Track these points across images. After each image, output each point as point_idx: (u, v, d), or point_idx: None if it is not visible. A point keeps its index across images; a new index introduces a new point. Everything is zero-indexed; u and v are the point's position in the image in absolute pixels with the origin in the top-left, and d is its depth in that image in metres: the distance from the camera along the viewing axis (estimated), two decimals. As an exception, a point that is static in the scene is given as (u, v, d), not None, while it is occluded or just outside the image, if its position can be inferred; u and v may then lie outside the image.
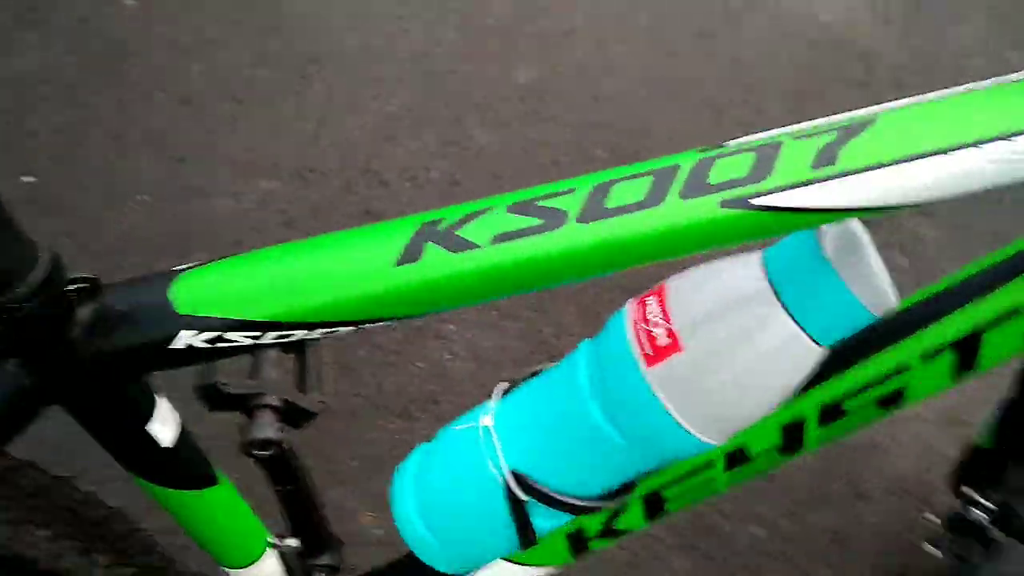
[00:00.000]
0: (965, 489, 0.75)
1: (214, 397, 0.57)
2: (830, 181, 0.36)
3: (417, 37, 1.63)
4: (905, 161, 0.36)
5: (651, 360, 0.44)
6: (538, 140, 1.54)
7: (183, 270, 0.43)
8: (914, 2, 1.91)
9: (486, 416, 0.53)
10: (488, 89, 1.58)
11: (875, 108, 0.38)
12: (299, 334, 0.42)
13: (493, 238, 0.39)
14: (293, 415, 0.62)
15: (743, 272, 0.43)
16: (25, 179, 1.35)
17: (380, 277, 0.40)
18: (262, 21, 1.59)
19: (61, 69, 1.47)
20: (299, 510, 0.68)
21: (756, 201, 0.37)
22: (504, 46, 1.65)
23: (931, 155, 0.36)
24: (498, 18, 1.68)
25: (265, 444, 0.59)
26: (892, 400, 0.51)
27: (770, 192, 0.37)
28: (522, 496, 0.50)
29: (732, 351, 0.43)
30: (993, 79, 0.39)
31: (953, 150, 0.36)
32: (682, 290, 0.45)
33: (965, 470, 0.77)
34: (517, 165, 1.50)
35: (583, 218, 0.38)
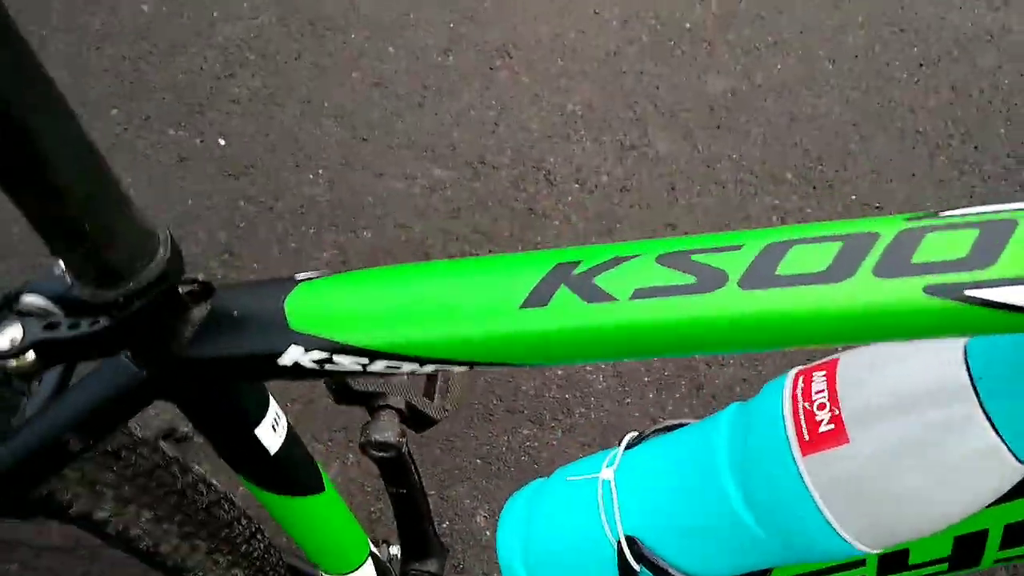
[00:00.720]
0: None
1: (341, 391, 0.55)
2: None
3: (610, 35, 1.56)
4: None
5: (808, 447, 0.38)
6: (722, 154, 1.44)
7: (303, 280, 0.39)
8: None
9: (609, 468, 0.47)
10: (676, 95, 1.50)
11: None
12: (409, 367, 0.38)
13: (634, 292, 0.33)
14: (415, 420, 0.59)
15: (940, 361, 0.36)
16: (220, 141, 1.41)
17: (502, 319, 0.34)
18: (461, 5, 1.58)
19: (267, 38, 1.53)
20: (408, 513, 0.66)
21: (973, 292, 0.29)
22: (699, 51, 1.55)
23: None
24: (696, 22, 1.58)
25: (382, 446, 0.57)
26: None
27: (993, 284, 0.29)
28: (634, 565, 0.45)
29: (910, 454, 0.36)
30: None
31: None
32: (859, 369, 0.38)
33: None
34: (695, 179, 1.41)
35: (747, 283, 0.31)
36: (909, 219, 0.31)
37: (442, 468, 1.09)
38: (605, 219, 1.36)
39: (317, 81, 1.48)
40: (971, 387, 0.35)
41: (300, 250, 1.29)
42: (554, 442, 1.11)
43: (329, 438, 1.12)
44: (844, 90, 1.52)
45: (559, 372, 1.20)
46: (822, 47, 1.56)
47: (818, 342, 0.32)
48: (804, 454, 0.37)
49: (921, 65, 1.55)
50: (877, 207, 1.38)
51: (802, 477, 0.37)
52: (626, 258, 0.34)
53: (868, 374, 0.38)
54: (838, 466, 0.37)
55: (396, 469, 0.62)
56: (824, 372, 0.38)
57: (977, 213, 0.30)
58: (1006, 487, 0.36)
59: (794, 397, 0.38)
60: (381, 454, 0.58)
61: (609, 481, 0.46)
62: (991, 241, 0.29)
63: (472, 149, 1.42)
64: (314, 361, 0.38)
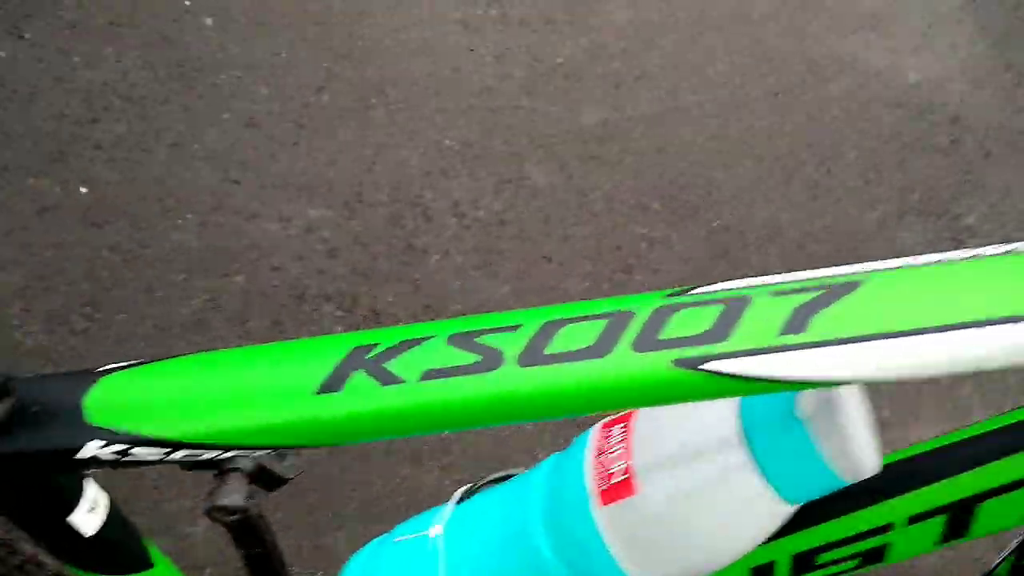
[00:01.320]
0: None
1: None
2: (794, 351, 0.31)
3: (485, 71, 1.58)
4: (884, 337, 0.31)
5: (604, 497, 0.40)
6: (596, 185, 1.47)
7: (103, 373, 0.39)
8: (1011, 65, 1.77)
9: (439, 524, 0.48)
10: (551, 129, 1.53)
11: (866, 267, 0.33)
12: (210, 455, 0.38)
13: (424, 374, 0.34)
14: (266, 480, 0.58)
15: (717, 413, 0.39)
16: (82, 189, 1.35)
17: (297, 405, 0.35)
18: (334, 45, 1.57)
19: (133, 82, 1.48)
20: (265, 574, 0.64)
21: (709, 365, 0.32)
22: (572, 86, 1.59)
23: (914, 333, 0.31)
24: (568, 58, 1.62)
25: (229, 511, 0.55)
26: (872, 557, 0.45)
27: (726, 356, 0.32)
28: None
29: (693, 501, 0.39)
30: (1008, 246, 0.32)
31: (941, 330, 0.30)
32: (650, 422, 0.41)
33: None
34: (570, 210, 1.43)
35: (523, 361, 0.33)
36: (666, 295, 0.34)
37: (317, 516, 1.07)
38: (482, 252, 1.37)
39: (186, 124, 1.44)
40: (741, 437, 0.38)
41: (168, 299, 1.25)
42: (432, 482, 1.10)
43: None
44: (707, 120, 1.58)
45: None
46: (686, 79, 1.62)
47: (587, 411, 0.34)
48: (601, 505, 0.39)
49: (777, 94, 1.63)
50: (739, 231, 1.44)
51: (596, 525, 0.39)
52: (418, 340, 0.35)
53: (657, 427, 0.40)
54: (630, 516, 0.39)
55: (248, 531, 0.61)
56: (623, 426, 0.41)
57: (725, 289, 0.33)
58: (778, 525, 0.39)
59: (596, 450, 0.40)
60: (229, 518, 0.56)
61: (438, 538, 0.46)
62: (729, 317, 0.32)
63: (349, 188, 1.41)
64: (113, 453, 0.38)
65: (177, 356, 0.39)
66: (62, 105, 1.44)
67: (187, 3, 1.58)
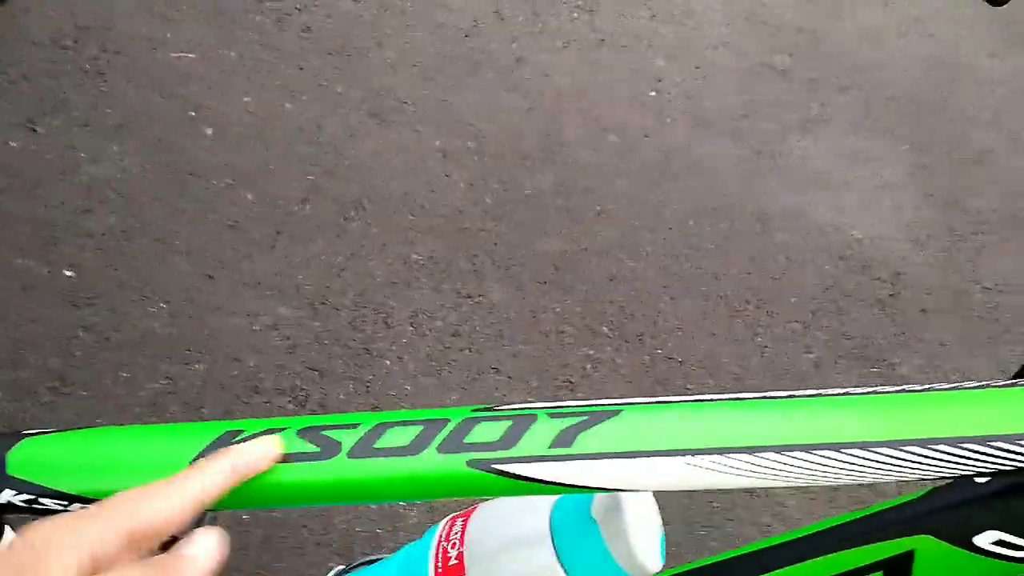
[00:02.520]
0: None
1: None
2: (560, 461, 0.40)
3: (458, 195, 1.72)
4: (629, 456, 0.40)
5: None
6: (549, 307, 1.58)
7: (29, 435, 0.48)
8: (953, 229, 1.92)
9: None
10: (513, 252, 1.65)
11: (625, 401, 0.43)
12: None
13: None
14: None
15: (533, 515, 0.47)
16: (67, 272, 1.46)
17: (172, 473, 0.44)
18: (322, 161, 1.72)
19: (130, 179, 1.62)
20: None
21: (497, 466, 0.41)
22: (535, 215, 1.72)
23: (653, 455, 0.40)
24: (535, 188, 1.77)
25: None
26: None
27: (509, 461, 0.41)
28: None
29: None
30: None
31: (668, 455, 0.40)
32: (482, 517, 0.48)
33: None
34: (523, 327, 1.54)
35: (354, 454, 0.42)
36: (475, 410, 0.43)
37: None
38: (435, 360, 1.46)
39: (172, 221, 1.56)
40: (550, 534, 0.45)
41: (132, 380, 1.34)
42: (355, 572, 1.15)
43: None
44: (659, 256, 1.70)
45: (373, 506, 1.25)
46: (641, 218, 1.76)
47: (403, 498, 0.42)
48: None
49: (727, 238, 1.77)
50: (679, 361, 1.53)
51: None
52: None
53: (489, 521, 0.48)
54: None
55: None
56: (463, 518, 0.48)
57: (517, 408, 0.43)
58: None
59: (440, 537, 0.48)
60: None
61: None
62: (517, 430, 0.41)
63: (316, 291, 1.52)
64: (24, 502, 0.46)
65: (90, 427, 0.48)
66: (62, 195, 1.57)
67: (192, 113, 1.74)
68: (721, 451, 0.40)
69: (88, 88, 1.74)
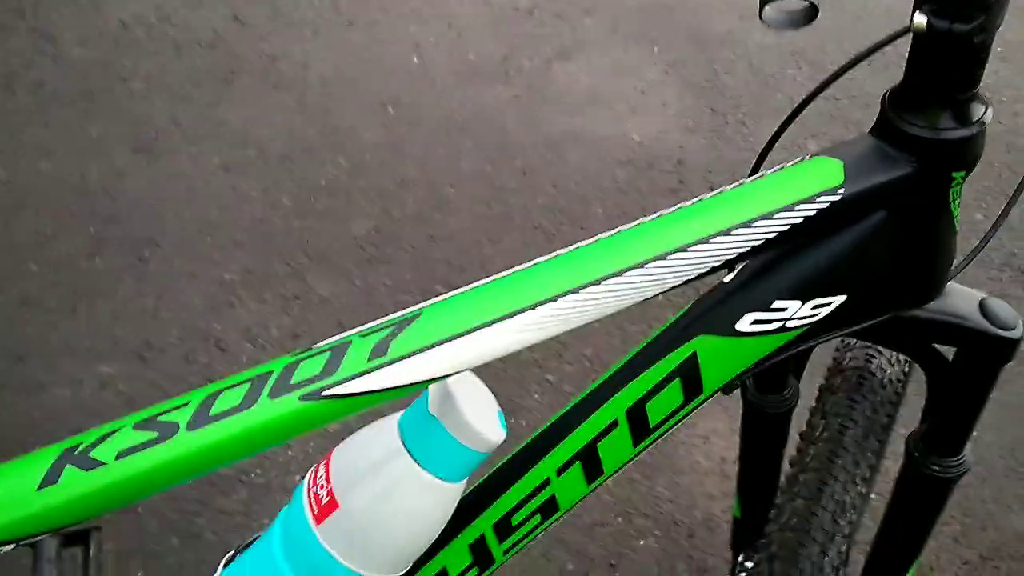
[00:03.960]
0: (737, 554, 0.82)
1: None
2: (381, 370, 0.46)
3: (253, 205, 1.72)
4: (437, 346, 0.47)
5: (319, 518, 0.51)
6: (379, 283, 1.62)
7: None
8: (715, 109, 2.13)
9: None
10: (326, 242, 1.68)
11: (423, 304, 0.49)
12: None
13: (117, 454, 0.46)
14: None
15: (383, 434, 0.52)
16: None
17: (25, 502, 0.46)
18: (97, 210, 1.66)
19: None
20: None
21: (328, 392, 0.46)
22: (339, 202, 1.76)
23: (456, 338, 0.47)
24: (330, 178, 1.80)
25: None
26: (548, 510, 0.60)
27: (337, 384, 0.46)
28: None
29: (380, 502, 0.51)
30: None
31: (469, 332, 0.47)
32: (341, 453, 0.53)
33: (733, 537, 0.84)
34: (360, 309, 1.57)
35: (191, 426, 0.46)
36: (294, 355, 0.48)
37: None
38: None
39: (-45, 315, 1.47)
40: (402, 445, 0.51)
41: None
42: None
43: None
44: (469, 206, 1.79)
45: (266, 522, 1.26)
46: (442, 177, 1.84)
47: (248, 453, 0.46)
48: (316, 524, 0.51)
49: (524, 173, 1.88)
50: (515, 293, 1.63)
51: (320, 542, 0.51)
52: (114, 431, 0.47)
53: (345, 456, 0.53)
54: (340, 527, 0.50)
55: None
56: (324, 463, 0.53)
57: (334, 340, 0.48)
58: (454, 500, 0.52)
59: (308, 486, 0.52)
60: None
61: None
62: (336, 357, 0.47)
63: (136, 338, 1.48)
64: None
65: None
66: None
67: (-62, 201, 1.63)
68: (511, 315, 0.48)
69: None
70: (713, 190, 0.53)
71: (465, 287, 0.50)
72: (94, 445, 0.47)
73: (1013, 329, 0.60)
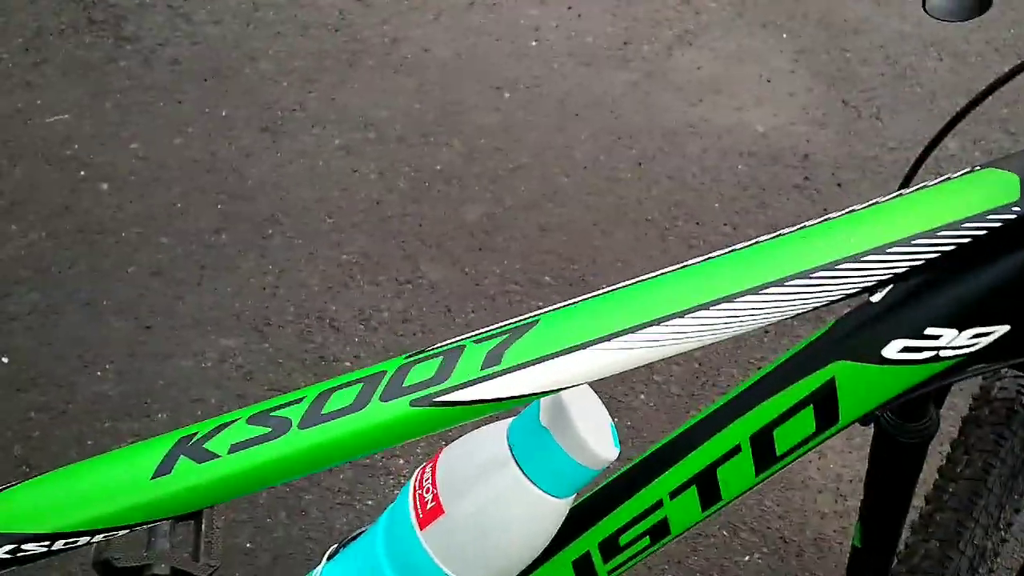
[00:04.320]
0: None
1: (107, 571, 0.64)
2: (494, 379, 0.46)
3: (371, 187, 1.77)
4: (553, 358, 0.46)
5: (423, 523, 0.51)
6: (488, 272, 1.65)
7: None
8: (848, 101, 2.04)
9: None
10: (439, 228, 1.71)
11: (541, 311, 0.48)
12: (84, 540, 0.50)
13: (231, 447, 0.48)
14: None
15: (492, 442, 0.52)
16: (3, 360, 1.47)
17: (139, 491, 0.48)
18: (226, 187, 1.75)
19: (39, 253, 1.63)
20: None
21: (439, 399, 0.46)
22: (452, 187, 1.79)
23: (574, 350, 0.46)
24: (445, 163, 1.83)
25: None
26: (659, 532, 0.58)
27: (448, 391, 0.46)
28: None
29: (486, 512, 0.51)
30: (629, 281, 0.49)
31: (590, 345, 0.46)
32: (448, 458, 0.53)
33: (850, 566, 0.82)
34: (468, 297, 1.60)
35: (304, 424, 0.47)
36: (407, 357, 0.48)
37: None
38: (392, 350, 1.52)
39: (94, 283, 1.58)
40: (510, 455, 0.51)
41: (97, 446, 1.36)
42: None
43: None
44: (580, 197, 1.79)
45: (370, 503, 1.31)
46: (556, 165, 1.84)
47: (358, 454, 0.47)
48: (421, 528, 0.51)
49: (640, 163, 1.86)
50: (624, 289, 1.62)
51: (423, 547, 0.51)
52: (227, 423, 0.49)
53: (453, 461, 0.53)
54: (443, 532, 0.51)
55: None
56: (431, 465, 0.53)
57: (446, 345, 0.48)
58: (560, 517, 0.52)
59: (414, 487, 0.53)
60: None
61: None
62: (449, 363, 0.47)
63: (256, 314, 1.56)
64: (7, 553, 0.49)
65: (50, 472, 0.51)
66: (-28, 286, 1.57)
67: (82, 173, 1.75)
68: (634, 329, 0.46)
69: (-32, 174, 1.73)
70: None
71: (587, 295, 0.48)
72: (208, 437, 0.48)
73: None
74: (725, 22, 2.21)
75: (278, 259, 1.64)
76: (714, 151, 1.90)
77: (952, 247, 0.47)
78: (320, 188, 1.76)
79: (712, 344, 0.48)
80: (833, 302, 0.48)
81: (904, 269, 0.47)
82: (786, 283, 0.47)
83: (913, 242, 0.46)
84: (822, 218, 0.49)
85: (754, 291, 0.47)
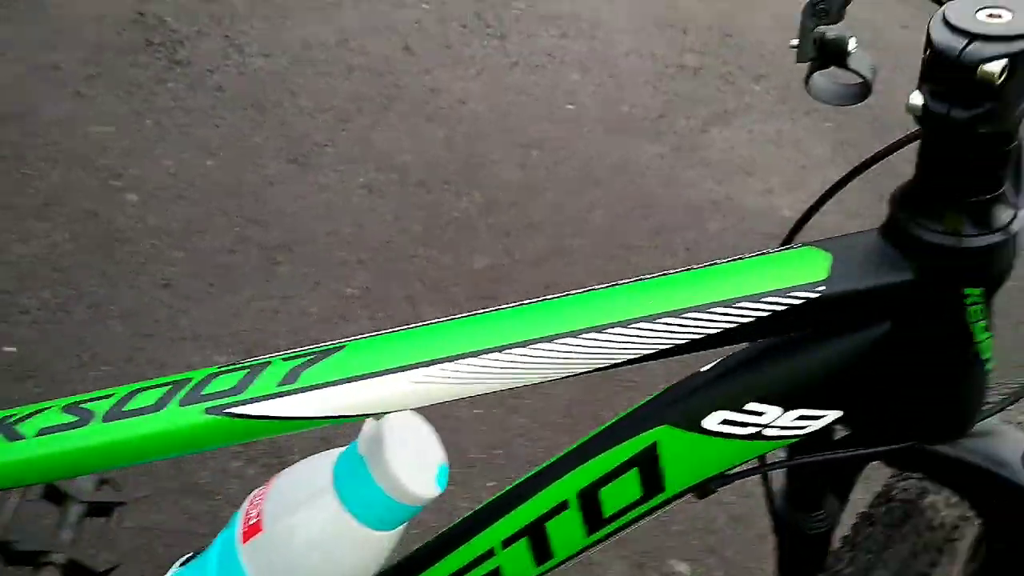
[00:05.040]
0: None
1: (5, 552, 0.67)
2: (287, 397, 0.47)
3: (385, 227, 1.85)
4: (349, 382, 0.47)
5: (244, 537, 0.52)
6: (485, 323, 1.69)
7: None
8: (884, 196, 2.06)
9: None
10: (445, 274, 1.77)
11: (352, 338, 0.49)
12: None
13: (39, 431, 0.50)
14: (77, 573, 0.70)
15: (320, 467, 0.52)
16: (7, 348, 1.56)
17: None
18: (245, 212, 1.84)
19: (60, 253, 1.73)
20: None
21: (232, 410, 0.47)
22: (464, 236, 1.85)
23: (373, 376, 0.46)
24: (462, 211, 1.90)
25: None
26: None
27: (242, 403, 0.47)
28: None
29: (300, 535, 0.50)
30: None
31: (387, 373, 0.47)
32: (280, 478, 0.54)
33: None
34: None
35: (107, 418, 0.49)
36: (221, 367, 0.49)
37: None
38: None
39: (105, 287, 1.68)
40: (331, 482, 0.50)
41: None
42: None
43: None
44: (591, 259, 1.83)
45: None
46: (570, 225, 1.90)
47: (153, 456, 0.48)
48: (242, 543, 0.51)
49: (657, 233, 1.90)
50: (617, 354, 1.65)
51: (240, 561, 0.51)
52: (45, 409, 0.51)
53: (285, 479, 0.53)
54: (259, 549, 0.51)
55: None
56: (266, 486, 0.53)
57: (261, 359, 0.49)
58: (382, 549, 0.51)
59: (248, 505, 0.53)
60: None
61: None
62: (252, 375, 0.48)
63: (252, 335, 1.63)
64: None
65: None
66: (-8, 280, 1.68)
67: (114, 183, 1.87)
68: (432, 362, 0.46)
69: (10, 172, 1.86)
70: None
71: (402, 327, 0.49)
72: (26, 418, 0.50)
73: None
74: (768, 106, 2.26)
75: (283, 285, 1.72)
76: (735, 230, 1.93)
77: (754, 319, 0.47)
78: (335, 222, 1.84)
79: (510, 387, 0.48)
80: (644, 358, 0.48)
81: (703, 336, 0.47)
82: (580, 335, 0.47)
83: (712, 309, 0.47)
84: (634, 278, 0.51)
85: (569, 335, 0.47)
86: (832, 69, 0.51)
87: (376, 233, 1.83)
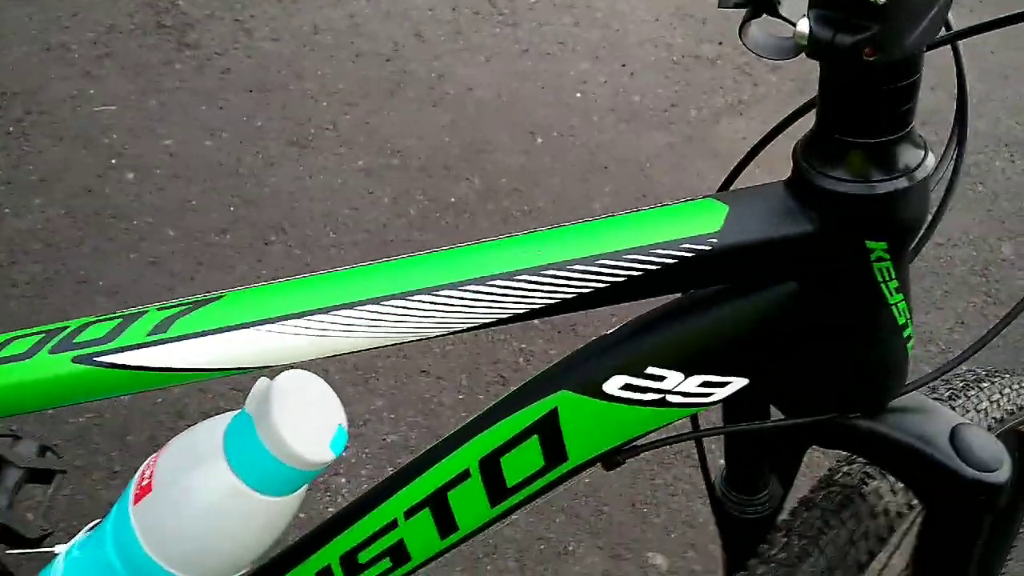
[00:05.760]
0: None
1: None
2: (158, 346, 0.44)
3: (381, 211, 1.83)
4: (221, 332, 0.44)
5: (135, 499, 0.50)
6: (476, 308, 1.67)
7: None
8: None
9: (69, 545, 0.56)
10: (439, 260, 1.75)
11: (232, 289, 0.46)
12: None
13: None
14: (10, 539, 0.70)
15: (213, 429, 0.49)
16: (-8, 320, 1.58)
17: None
18: (242, 192, 1.84)
19: (53, 229, 1.75)
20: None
21: (100, 359, 0.45)
22: (462, 221, 1.83)
23: (246, 327, 0.43)
24: (460, 196, 1.88)
25: None
26: (398, 556, 0.55)
27: (110, 352, 0.45)
28: None
29: (188, 498, 0.48)
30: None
31: (259, 323, 0.44)
32: (175, 440, 0.51)
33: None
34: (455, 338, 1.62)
35: None
36: (97, 317, 0.47)
37: None
38: (361, 370, 1.55)
39: (95, 263, 1.68)
40: (223, 447, 0.48)
41: (56, 415, 1.43)
42: None
43: None
44: (589, 247, 1.79)
45: (302, 516, 1.32)
46: (572, 213, 1.86)
47: (23, 409, 0.45)
48: (133, 505, 0.50)
49: (659, 223, 1.86)
50: (608, 342, 1.61)
51: (131, 522, 0.49)
52: None
53: (178, 442, 0.51)
54: (148, 510, 0.49)
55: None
56: (160, 450, 0.51)
57: (139, 308, 0.47)
58: (277, 516, 0.49)
59: (144, 467, 0.51)
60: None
61: (61, 559, 0.54)
62: (125, 325, 0.45)
63: (238, 314, 1.62)
64: None
65: None
66: (-14, 251, 1.70)
67: (113, 161, 1.88)
68: (307, 313, 0.43)
69: (11, 149, 1.89)
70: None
71: (286, 278, 0.46)
72: None
73: (993, 471, 0.48)
74: (783, 96, 2.20)
75: (273, 265, 1.71)
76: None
77: (642, 273, 0.45)
78: (331, 204, 1.83)
79: (389, 344, 0.45)
80: (517, 317, 0.46)
81: (591, 290, 0.45)
82: (463, 286, 0.46)
83: (599, 261, 0.45)
84: (530, 230, 0.50)
85: (429, 291, 0.45)
86: (767, 18, 0.48)
87: (372, 216, 1.82)
